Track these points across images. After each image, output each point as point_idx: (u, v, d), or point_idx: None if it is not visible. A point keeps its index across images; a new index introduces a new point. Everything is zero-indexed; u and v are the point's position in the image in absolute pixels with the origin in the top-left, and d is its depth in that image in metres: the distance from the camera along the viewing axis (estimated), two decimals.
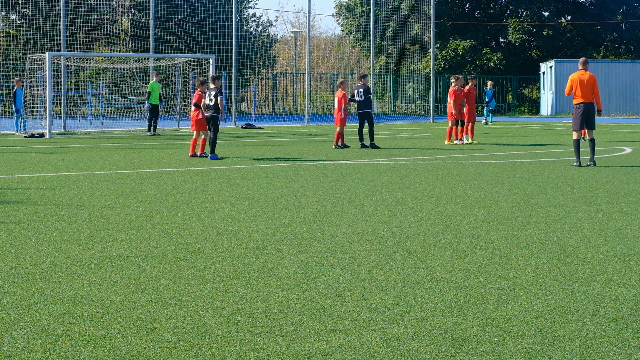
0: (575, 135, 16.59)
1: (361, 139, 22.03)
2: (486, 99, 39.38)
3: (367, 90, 22.12)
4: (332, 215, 9.85)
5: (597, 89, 16.67)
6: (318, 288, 6.31)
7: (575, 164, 16.43)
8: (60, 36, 33.01)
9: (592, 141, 16.67)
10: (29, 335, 5.08)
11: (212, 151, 18.06)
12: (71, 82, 38.79)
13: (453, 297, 6.07)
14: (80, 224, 9.14)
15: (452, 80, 23.81)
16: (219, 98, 18.11)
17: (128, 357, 4.72)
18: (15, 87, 28.70)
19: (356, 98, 22.02)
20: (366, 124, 22.04)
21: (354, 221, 9.46)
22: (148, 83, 35.10)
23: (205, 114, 18.28)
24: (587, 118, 16.53)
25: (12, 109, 29.32)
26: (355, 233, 8.70)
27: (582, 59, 16.87)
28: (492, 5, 60.41)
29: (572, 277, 6.74)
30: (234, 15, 37.34)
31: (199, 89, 18.72)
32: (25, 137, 26.91)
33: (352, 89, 22.94)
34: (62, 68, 31.98)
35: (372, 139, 21.92)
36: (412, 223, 9.35)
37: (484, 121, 39.51)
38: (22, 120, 28.86)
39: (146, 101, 29.22)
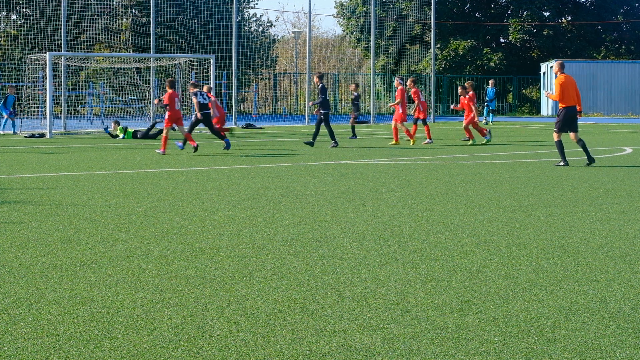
0: (556, 137, 16.67)
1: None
2: (487, 98, 39.26)
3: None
4: (333, 216, 9.85)
5: (578, 90, 16.94)
6: (318, 288, 6.31)
7: (562, 163, 16.48)
8: (60, 36, 33.01)
9: (581, 141, 16.73)
10: (29, 335, 5.08)
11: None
12: (72, 82, 38.79)
13: (453, 297, 6.07)
14: (81, 224, 9.14)
15: (468, 90, 24.17)
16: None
17: (128, 357, 4.72)
18: (9, 93, 28.91)
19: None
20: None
21: (355, 221, 9.46)
22: (148, 83, 35.14)
23: (204, 112, 20.16)
24: (572, 121, 16.68)
25: (12, 109, 29.42)
26: (356, 233, 8.70)
27: (560, 62, 17.02)
28: (492, 6, 60.41)
29: (573, 277, 6.74)
30: (234, 16, 37.34)
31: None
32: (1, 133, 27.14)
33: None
34: (62, 68, 31.99)
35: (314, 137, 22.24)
36: (413, 223, 9.35)
37: (484, 121, 39.48)
38: (8, 121, 29.08)
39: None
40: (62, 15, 32.87)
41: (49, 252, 7.55)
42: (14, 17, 47.18)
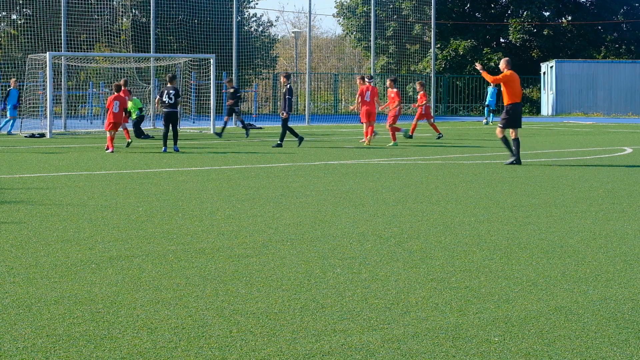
0: (500, 133, 16.85)
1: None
2: (489, 98, 39.24)
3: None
4: (333, 216, 9.85)
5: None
6: (319, 288, 6.31)
7: (512, 159, 16.64)
8: (60, 36, 33.03)
9: (517, 141, 16.91)
10: (29, 335, 5.08)
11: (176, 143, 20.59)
12: (72, 82, 38.80)
13: (454, 297, 6.07)
14: (81, 223, 9.14)
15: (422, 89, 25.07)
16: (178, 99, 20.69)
17: (129, 357, 4.72)
18: (11, 87, 28.78)
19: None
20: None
21: (355, 221, 9.46)
22: (149, 83, 35.15)
23: (165, 110, 20.80)
24: (519, 118, 16.97)
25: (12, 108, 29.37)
26: (356, 233, 8.70)
27: (507, 59, 17.27)
28: (492, 5, 60.42)
29: (573, 277, 6.74)
30: (234, 15, 37.34)
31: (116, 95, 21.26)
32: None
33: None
34: (62, 68, 32.00)
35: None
36: (413, 223, 9.35)
37: (484, 121, 39.51)
38: (12, 120, 28.91)
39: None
40: (62, 15, 32.88)
41: (49, 252, 7.55)
42: (14, 17, 47.18)
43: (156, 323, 5.35)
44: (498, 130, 16.92)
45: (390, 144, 22.80)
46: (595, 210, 10.41)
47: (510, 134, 16.91)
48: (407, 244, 8.07)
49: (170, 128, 20.45)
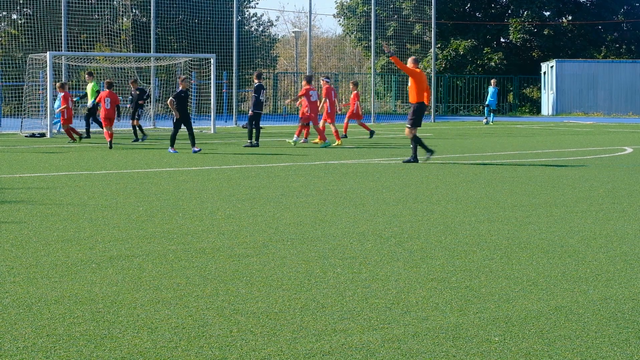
0: (412, 133, 16.88)
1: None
2: (490, 98, 39.26)
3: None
4: (333, 215, 9.85)
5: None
6: (319, 288, 6.31)
7: (428, 154, 16.81)
8: (61, 36, 33.03)
9: (417, 139, 17.03)
10: (29, 335, 5.08)
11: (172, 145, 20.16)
12: (72, 81, 38.79)
13: (454, 296, 6.07)
14: (81, 223, 9.14)
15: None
16: (169, 99, 20.14)
17: (129, 356, 4.72)
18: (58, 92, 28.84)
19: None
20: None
21: (355, 221, 9.46)
22: (149, 83, 35.14)
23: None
24: (422, 117, 17.17)
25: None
26: (356, 233, 8.70)
27: (415, 58, 17.37)
28: (493, 5, 60.42)
29: (573, 277, 6.74)
30: (234, 15, 37.34)
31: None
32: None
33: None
34: (63, 68, 32.01)
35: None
36: (413, 223, 9.35)
37: (484, 121, 39.49)
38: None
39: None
40: (62, 14, 32.89)
41: (50, 252, 7.55)
42: (14, 16, 47.19)
43: (156, 323, 5.35)
44: (407, 130, 16.97)
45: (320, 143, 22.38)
46: (595, 210, 10.41)
47: (407, 132, 17.03)
48: (407, 244, 8.07)
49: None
